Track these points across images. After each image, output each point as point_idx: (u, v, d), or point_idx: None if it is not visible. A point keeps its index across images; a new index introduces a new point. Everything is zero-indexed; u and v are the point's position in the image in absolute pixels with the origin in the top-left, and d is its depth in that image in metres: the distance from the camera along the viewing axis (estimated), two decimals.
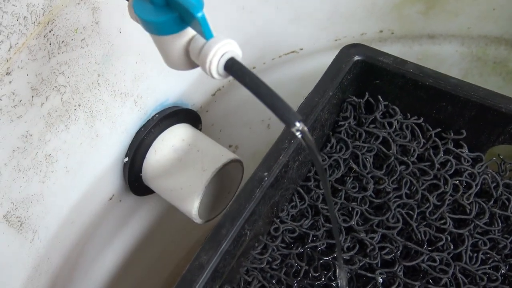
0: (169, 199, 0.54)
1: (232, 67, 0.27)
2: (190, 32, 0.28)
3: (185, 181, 0.52)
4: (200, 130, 0.59)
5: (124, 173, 0.54)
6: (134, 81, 0.50)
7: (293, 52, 0.64)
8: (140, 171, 0.54)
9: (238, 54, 0.27)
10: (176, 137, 0.54)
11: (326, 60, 0.67)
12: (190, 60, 0.29)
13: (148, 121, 0.53)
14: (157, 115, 0.54)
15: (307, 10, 0.60)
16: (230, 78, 0.63)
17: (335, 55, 0.67)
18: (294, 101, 0.71)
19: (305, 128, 0.26)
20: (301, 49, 0.64)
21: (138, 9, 0.27)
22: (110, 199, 0.55)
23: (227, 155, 0.53)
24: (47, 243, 0.48)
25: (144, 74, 0.50)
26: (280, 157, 0.39)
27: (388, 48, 0.68)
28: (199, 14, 0.25)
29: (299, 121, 0.26)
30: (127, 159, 0.53)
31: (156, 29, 0.27)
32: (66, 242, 0.51)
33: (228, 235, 0.35)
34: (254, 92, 0.26)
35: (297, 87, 0.68)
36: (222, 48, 0.27)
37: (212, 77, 0.27)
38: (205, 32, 0.25)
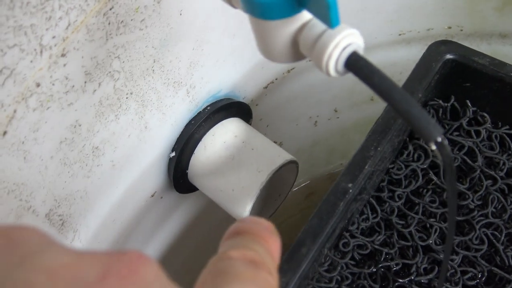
0: (216, 199, 0.50)
1: (356, 64, 0.22)
2: (303, 17, 0.23)
3: (238, 182, 0.47)
4: (250, 125, 0.54)
5: (169, 169, 0.49)
6: (188, 69, 0.45)
7: None
8: (187, 168, 0.50)
9: (362, 47, 0.22)
10: (228, 132, 0.49)
11: (387, 55, 0.62)
12: (297, 51, 0.24)
13: (199, 113, 0.49)
14: (208, 108, 0.49)
15: (375, 1, 0.54)
16: (284, 69, 0.58)
17: (398, 50, 0.62)
18: (349, 98, 0.66)
19: (446, 143, 0.21)
20: None
21: None
22: (152, 196, 0.50)
23: (283, 155, 0.48)
24: (86, 243, 0.43)
25: (199, 62, 0.46)
26: (366, 167, 0.34)
27: None
28: None
29: (440, 136, 0.21)
30: (173, 154, 0.48)
31: (264, 12, 0.22)
32: (105, 241, 0.46)
33: (308, 255, 0.31)
34: (384, 96, 0.21)
35: (353, 83, 0.63)
36: (345, 39, 0.22)
37: (328, 74, 0.23)
38: (332, 19, 0.20)
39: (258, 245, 0.20)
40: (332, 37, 0.22)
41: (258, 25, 0.23)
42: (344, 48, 0.22)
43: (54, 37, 0.30)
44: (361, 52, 0.22)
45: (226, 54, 0.49)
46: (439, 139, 0.21)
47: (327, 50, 0.22)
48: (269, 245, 0.20)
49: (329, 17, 0.20)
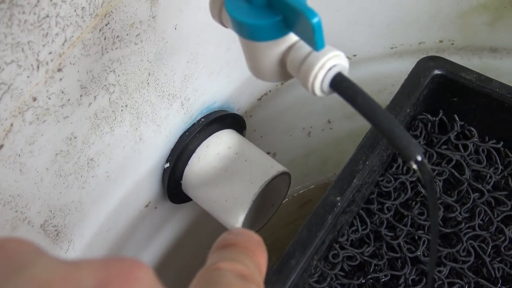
0: (210, 210, 0.50)
1: (341, 84, 0.23)
2: (290, 39, 0.24)
3: (231, 193, 0.48)
4: (244, 136, 0.55)
5: (163, 180, 0.50)
6: (183, 82, 0.46)
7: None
8: (181, 178, 0.50)
9: (346, 68, 0.23)
10: (222, 144, 0.50)
11: (379, 68, 0.63)
12: (285, 71, 0.25)
13: (193, 125, 0.49)
14: (203, 119, 0.50)
15: (368, 14, 0.55)
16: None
17: (390, 63, 0.63)
18: (342, 109, 0.67)
19: (426, 161, 0.22)
20: (354, 55, 0.60)
21: (232, 9, 0.23)
22: (146, 206, 0.51)
23: (276, 167, 0.49)
24: (81, 253, 0.44)
25: (194, 75, 0.46)
26: (354, 180, 0.35)
27: None
28: (315, 20, 0.20)
29: (421, 155, 0.21)
30: (168, 164, 0.49)
31: (253, 34, 0.23)
32: (100, 251, 0.47)
33: (297, 266, 0.31)
34: (367, 116, 0.22)
35: None
36: (330, 60, 0.23)
37: (314, 94, 0.23)
38: (317, 41, 0.21)
39: (247, 258, 0.20)
40: (317, 59, 0.22)
41: (247, 45, 0.24)
42: (330, 69, 0.23)
43: (50, 52, 0.31)
44: (346, 73, 0.23)
45: (221, 67, 0.50)
46: (419, 158, 0.21)
47: (313, 71, 0.23)
48: (257, 259, 0.20)
49: (314, 40, 0.21)
